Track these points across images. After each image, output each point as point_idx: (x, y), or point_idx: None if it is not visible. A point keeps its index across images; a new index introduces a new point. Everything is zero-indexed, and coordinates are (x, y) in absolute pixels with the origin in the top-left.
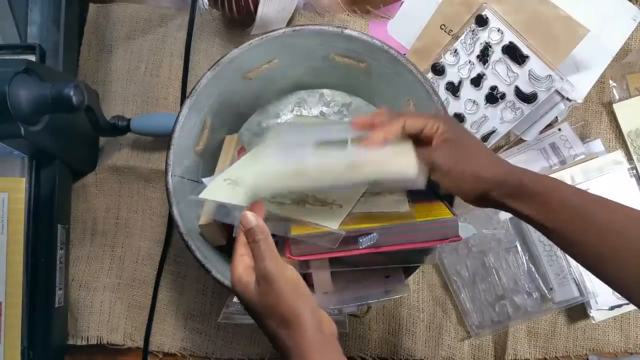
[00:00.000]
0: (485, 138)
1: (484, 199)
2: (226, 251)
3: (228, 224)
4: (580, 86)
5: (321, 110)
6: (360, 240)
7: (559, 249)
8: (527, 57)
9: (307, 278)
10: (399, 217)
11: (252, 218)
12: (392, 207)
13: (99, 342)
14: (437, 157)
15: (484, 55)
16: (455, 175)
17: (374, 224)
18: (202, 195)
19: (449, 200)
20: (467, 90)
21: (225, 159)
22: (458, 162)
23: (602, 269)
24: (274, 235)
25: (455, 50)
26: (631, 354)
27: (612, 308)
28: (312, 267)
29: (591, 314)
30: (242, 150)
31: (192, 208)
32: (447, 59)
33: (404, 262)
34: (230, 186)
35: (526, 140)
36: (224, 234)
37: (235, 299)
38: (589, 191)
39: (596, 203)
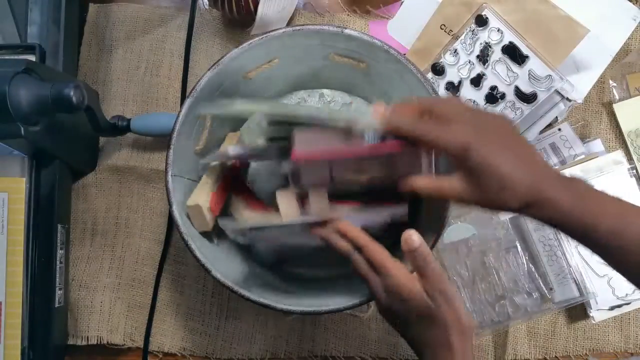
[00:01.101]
0: None
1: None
2: (209, 236)
3: (215, 209)
4: (580, 86)
5: None
6: (367, 136)
7: (558, 249)
8: (527, 57)
9: (304, 204)
10: None
11: (417, 239)
12: None
13: (99, 342)
14: (464, 199)
15: (483, 55)
16: (484, 207)
17: None
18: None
19: None
20: (467, 90)
21: None
22: (488, 200)
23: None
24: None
25: (455, 50)
26: (631, 354)
27: (612, 308)
28: (311, 187)
29: (591, 314)
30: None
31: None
32: (447, 59)
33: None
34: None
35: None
36: (210, 219)
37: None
38: None
39: None
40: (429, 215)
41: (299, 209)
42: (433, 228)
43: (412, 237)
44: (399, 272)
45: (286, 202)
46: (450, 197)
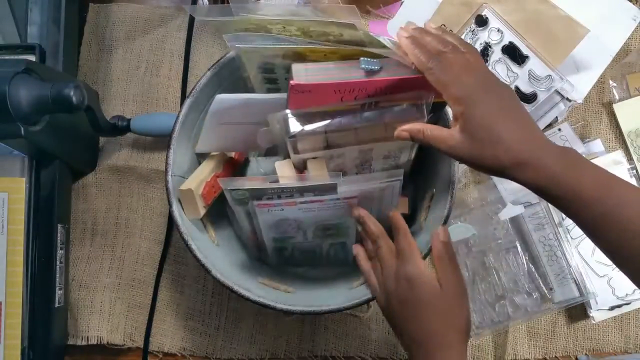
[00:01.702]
0: None
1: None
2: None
3: (207, 197)
4: (580, 86)
5: None
6: (363, 62)
7: (558, 249)
8: (526, 57)
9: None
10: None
11: (448, 233)
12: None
13: (99, 342)
14: (456, 150)
15: (483, 55)
16: (473, 162)
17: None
18: None
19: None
20: None
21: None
22: (480, 154)
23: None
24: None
25: None
26: (629, 353)
27: (612, 308)
28: (307, 151)
29: (591, 314)
30: (241, 155)
31: None
32: None
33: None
34: None
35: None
36: (201, 206)
37: None
38: None
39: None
40: (429, 214)
41: (296, 176)
42: (433, 228)
43: (446, 232)
44: (420, 261)
45: (284, 170)
46: (445, 146)
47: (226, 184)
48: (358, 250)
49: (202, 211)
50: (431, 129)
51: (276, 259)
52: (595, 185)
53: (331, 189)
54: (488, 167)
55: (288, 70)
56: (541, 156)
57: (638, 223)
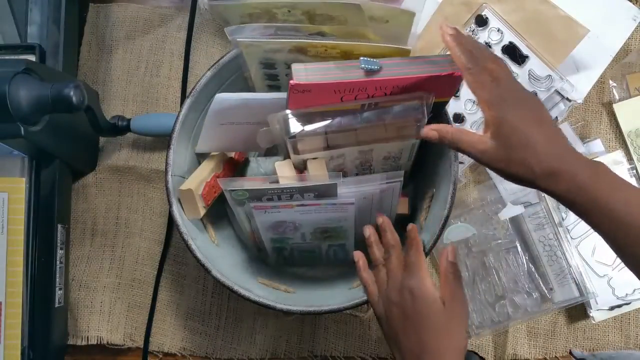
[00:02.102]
0: None
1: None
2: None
3: (207, 197)
4: (580, 86)
5: None
6: (363, 62)
7: (558, 249)
8: (527, 57)
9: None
10: (400, 52)
11: (457, 253)
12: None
13: (99, 342)
14: (486, 155)
15: None
16: (503, 169)
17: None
18: None
19: None
20: (467, 90)
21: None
22: (510, 162)
23: None
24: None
25: None
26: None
27: (612, 308)
28: (309, 151)
29: (591, 314)
30: (241, 155)
31: None
32: None
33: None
34: None
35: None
36: (201, 206)
37: None
38: None
39: None
40: (429, 214)
41: (296, 176)
42: (433, 228)
43: (454, 251)
44: (427, 277)
45: (284, 170)
46: (475, 151)
47: (226, 185)
48: (358, 257)
49: (202, 211)
50: (461, 132)
51: (276, 258)
52: (627, 201)
53: (331, 189)
54: (518, 176)
55: (289, 66)
56: (572, 167)
57: None
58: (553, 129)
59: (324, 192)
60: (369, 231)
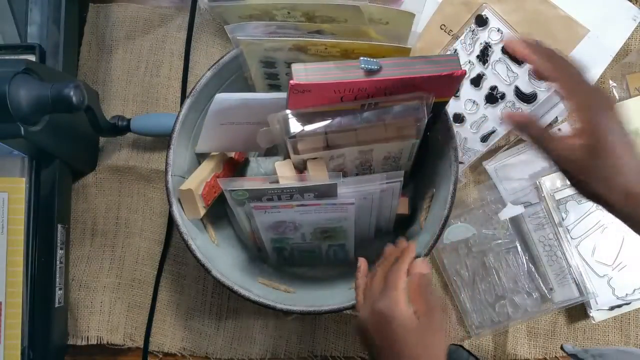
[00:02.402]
0: (485, 138)
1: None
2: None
3: (207, 197)
4: None
5: None
6: (362, 62)
7: (558, 249)
8: None
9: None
10: (400, 52)
11: (425, 265)
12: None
13: (99, 342)
14: (569, 159)
15: (483, 55)
16: (580, 179)
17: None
18: None
19: None
20: (467, 90)
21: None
22: (591, 171)
23: None
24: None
25: (455, 50)
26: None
27: (612, 308)
28: (309, 151)
29: (591, 314)
30: (241, 155)
31: None
32: None
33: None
34: None
35: (526, 141)
36: (201, 206)
37: None
38: None
39: None
40: (429, 214)
41: (296, 176)
42: (433, 228)
43: (426, 264)
44: (401, 298)
45: (284, 170)
46: (563, 153)
47: (226, 185)
48: (361, 263)
49: (202, 211)
50: (547, 130)
51: (276, 258)
52: None
53: (331, 189)
54: (592, 190)
55: (289, 65)
56: None
57: None
58: (636, 149)
59: (324, 192)
60: (361, 263)
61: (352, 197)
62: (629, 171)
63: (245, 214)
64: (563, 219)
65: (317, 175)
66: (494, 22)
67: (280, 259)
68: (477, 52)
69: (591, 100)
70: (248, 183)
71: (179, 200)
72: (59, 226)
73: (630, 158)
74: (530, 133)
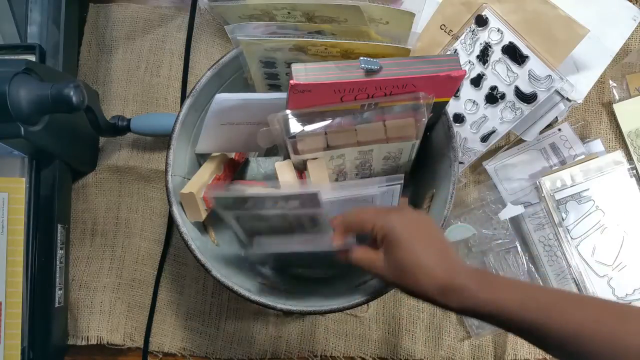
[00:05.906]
0: (485, 138)
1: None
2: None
3: (208, 200)
4: (580, 86)
5: None
6: (362, 62)
7: (558, 249)
8: (527, 57)
9: (303, 176)
10: (400, 52)
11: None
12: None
13: (99, 342)
14: (383, 274)
15: (483, 56)
16: (399, 287)
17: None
18: None
19: None
20: (466, 90)
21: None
22: (403, 280)
23: None
24: None
25: (455, 50)
26: None
27: None
28: (309, 152)
29: None
30: (241, 155)
31: None
32: None
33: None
34: None
35: (526, 141)
36: (203, 210)
37: None
38: (588, 192)
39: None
40: (428, 214)
41: (297, 179)
42: None
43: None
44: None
45: (285, 173)
46: (376, 273)
47: (210, 193)
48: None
49: (204, 214)
50: (361, 251)
51: (274, 260)
52: (516, 299)
53: (312, 199)
54: (413, 293)
55: (289, 65)
56: (461, 281)
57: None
58: (441, 243)
59: (308, 202)
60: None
61: (337, 211)
62: (434, 266)
63: (234, 219)
64: (563, 219)
65: (318, 178)
66: (494, 22)
67: (278, 260)
68: (477, 52)
69: (386, 210)
70: (232, 191)
71: (180, 203)
72: (59, 226)
73: (431, 254)
74: (348, 260)
